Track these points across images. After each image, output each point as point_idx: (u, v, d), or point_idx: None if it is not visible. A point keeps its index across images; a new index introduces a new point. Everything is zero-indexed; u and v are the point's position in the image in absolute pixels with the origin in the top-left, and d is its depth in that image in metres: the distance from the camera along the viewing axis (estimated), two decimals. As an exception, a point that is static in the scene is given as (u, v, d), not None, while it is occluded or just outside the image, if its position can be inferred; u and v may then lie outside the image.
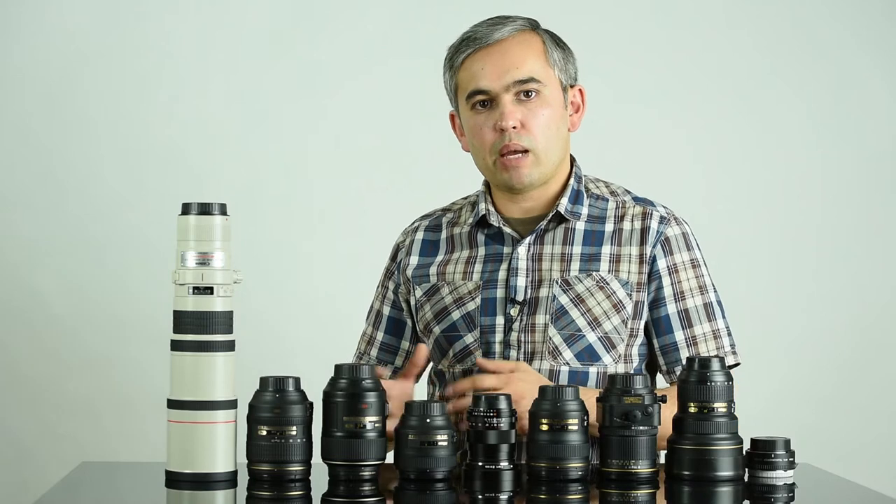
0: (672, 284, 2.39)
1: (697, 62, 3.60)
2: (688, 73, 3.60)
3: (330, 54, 3.56)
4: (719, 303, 2.42)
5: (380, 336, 2.51)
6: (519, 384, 2.17)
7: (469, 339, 2.39)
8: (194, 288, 1.98)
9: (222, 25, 3.55)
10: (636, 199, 2.45)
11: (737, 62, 3.60)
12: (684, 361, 2.31)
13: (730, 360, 2.39)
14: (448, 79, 2.42)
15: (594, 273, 2.37)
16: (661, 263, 2.39)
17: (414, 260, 2.49)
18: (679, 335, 2.38)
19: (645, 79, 3.59)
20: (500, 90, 2.34)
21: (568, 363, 2.34)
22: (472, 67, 2.36)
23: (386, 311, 2.51)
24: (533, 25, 2.41)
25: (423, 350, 2.27)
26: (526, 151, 2.34)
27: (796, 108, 3.61)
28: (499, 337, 2.37)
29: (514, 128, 2.33)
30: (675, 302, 2.38)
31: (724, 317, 2.42)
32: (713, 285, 2.43)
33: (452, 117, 2.47)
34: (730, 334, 2.42)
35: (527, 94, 2.34)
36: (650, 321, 2.39)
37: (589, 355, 2.35)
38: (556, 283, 2.37)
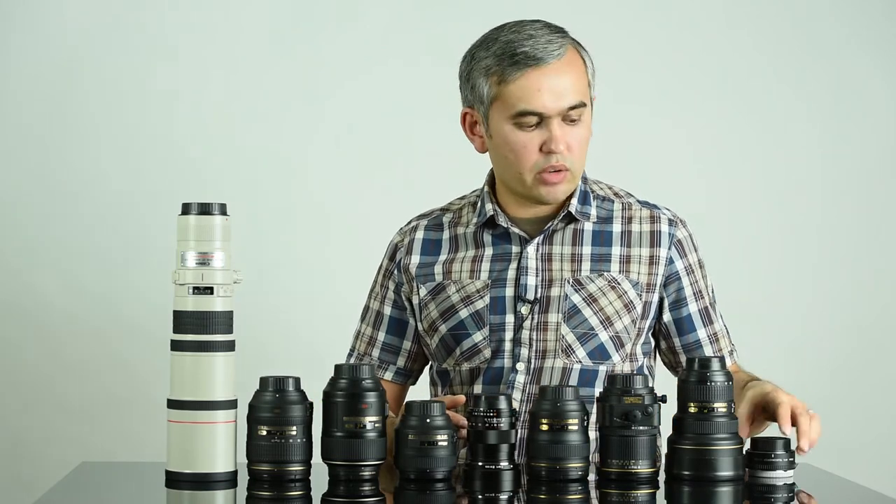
0: (691, 284, 2.44)
1: (697, 62, 3.60)
2: (688, 73, 3.60)
3: (330, 54, 3.56)
4: (716, 301, 2.50)
5: (381, 336, 2.50)
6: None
7: (478, 336, 2.39)
8: (194, 288, 1.98)
9: (222, 25, 3.55)
10: (641, 203, 2.48)
11: (737, 62, 3.60)
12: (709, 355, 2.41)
13: (735, 355, 2.48)
14: (484, 83, 2.35)
15: (605, 273, 2.39)
16: (679, 265, 2.43)
17: (416, 259, 2.48)
18: (702, 332, 2.44)
19: (645, 79, 3.59)
20: (554, 114, 2.32)
21: (580, 361, 2.36)
22: (528, 87, 2.31)
23: (387, 311, 2.50)
24: (572, 40, 2.38)
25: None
26: (567, 170, 2.36)
27: (796, 108, 3.61)
28: (509, 335, 2.38)
29: (562, 150, 2.34)
30: (696, 301, 2.44)
31: (721, 314, 2.51)
32: (712, 286, 2.50)
33: (465, 116, 2.42)
34: (728, 331, 2.51)
35: (572, 118, 2.34)
36: (671, 321, 2.43)
37: (600, 354, 2.36)
38: (568, 282, 2.38)
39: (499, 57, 2.33)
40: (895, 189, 3.61)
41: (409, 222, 2.54)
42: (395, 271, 2.50)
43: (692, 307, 2.43)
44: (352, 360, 2.51)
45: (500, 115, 2.34)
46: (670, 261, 2.42)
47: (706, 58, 3.60)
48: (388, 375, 2.49)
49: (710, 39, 3.60)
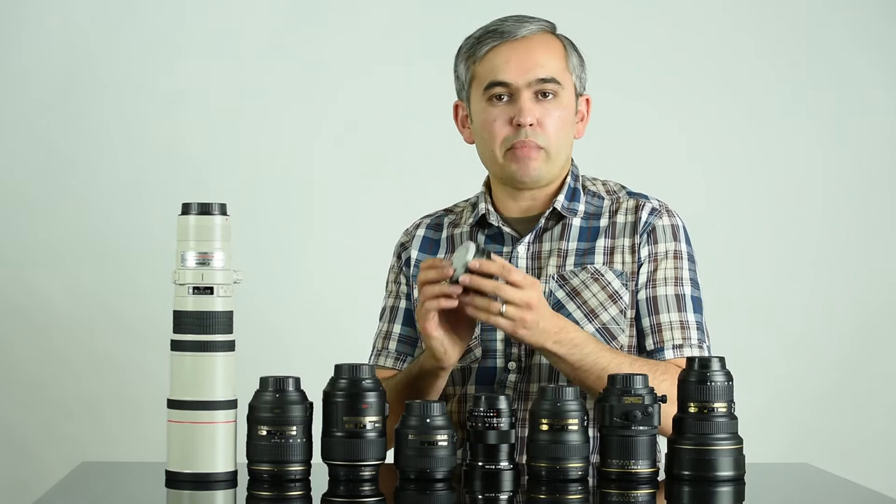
0: (648, 272, 2.39)
1: (698, 62, 3.60)
2: (688, 73, 3.60)
3: (330, 54, 3.56)
4: (695, 298, 2.41)
5: (397, 329, 2.50)
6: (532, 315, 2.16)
7: None
8: (194, 288, 1.98)
9: (223, 25, 3.56)
10: (630, 194, 2.48)
11: (737, 62, 3.61)
12: (648, 347, 2.36)
13: (694, 353, 2.35)
14: (463, 69, 2.43)
15: (589, 266, 2.39)
16: (644, 252, 2.40)
17: (414, 254, 2.50)
18: (645, 321, 2.38)
19: (645, 79, 3.59)
20: (522, 86, 2.36)
21: None
22: (496, 59, 2.38)
23: (402, 304, 2.51)
24: (552, 29, 2.44)
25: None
26: (539, 148, 2.36)
27: (796, 108, 3.61)
28: (500, 334, 2.38)
29: (531, 125, 2.35)
30: (646, 288, 2.39)
31: (697, 312, 2.40)
32: (693, 281, 2.42)
33: (456, 108, 2.48)
34: (700, 329, 2.39)
35: (545, 93, 2.37)
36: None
37: None
38: (553, 278, 2.38)
39: (475, 40, 2.41)
40: (895, 189, 3.62)
41: (414, 222, 2.57)
42: (404, 266, 2.51)
43: (640, 294, 2.38)
44: (371, 358, 2.51)
45: (477, 94, 2.40)
46: (639, 248, 2.40)
47: (706, 58, 3.60)
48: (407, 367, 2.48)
49: (711, 40, 3.60)
